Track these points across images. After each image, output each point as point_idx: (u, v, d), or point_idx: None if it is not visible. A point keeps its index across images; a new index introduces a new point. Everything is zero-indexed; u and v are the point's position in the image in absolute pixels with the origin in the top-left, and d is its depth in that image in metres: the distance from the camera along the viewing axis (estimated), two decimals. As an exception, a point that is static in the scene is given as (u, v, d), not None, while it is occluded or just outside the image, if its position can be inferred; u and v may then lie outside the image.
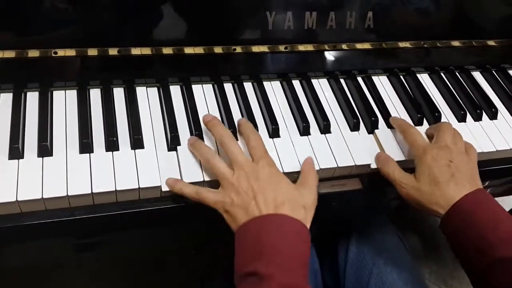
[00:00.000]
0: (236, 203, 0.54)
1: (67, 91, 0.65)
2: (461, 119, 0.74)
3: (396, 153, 0.65)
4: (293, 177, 0.61)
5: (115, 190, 0.54)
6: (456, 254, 0.59)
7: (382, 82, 0.77)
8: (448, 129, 0.64)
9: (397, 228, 0.85)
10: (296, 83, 0.73)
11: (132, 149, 0.59)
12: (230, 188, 0.55)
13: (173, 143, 0.61)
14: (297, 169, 0.61)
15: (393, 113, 0.72)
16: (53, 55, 0.63)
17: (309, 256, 0.54)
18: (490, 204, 0.57)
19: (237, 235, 0.54)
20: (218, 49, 0.69)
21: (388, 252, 0.78)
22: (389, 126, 0.70)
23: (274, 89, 0.72)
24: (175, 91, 0.68)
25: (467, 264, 0.58)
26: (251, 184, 0.55)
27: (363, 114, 0.71)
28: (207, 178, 0.58)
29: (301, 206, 0.55)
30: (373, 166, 0.64)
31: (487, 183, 0.75)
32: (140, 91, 0.67)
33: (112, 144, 0.59)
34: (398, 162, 0.64)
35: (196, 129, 0.62)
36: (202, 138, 0.62)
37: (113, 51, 0.65)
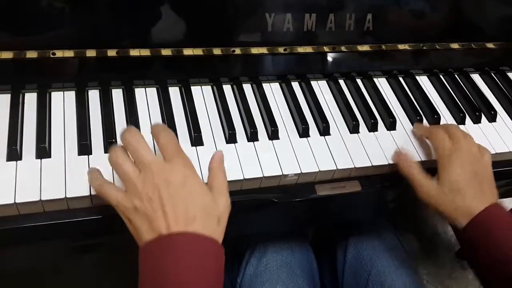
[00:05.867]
0: (140, 212, 0.46)
1: (65, 92, 0.64)
2: (460, 121, 0.74)
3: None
4: (294, 180, 0.61)
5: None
6: (471, 264, 0.59)
7: (381, 84, 0.77)
8: (460, 131, 0.63)
9: (396, 230, 0.85)
10: (295, 85, 0.73)
11: (131, 150, 0.59)
12: (133, 192, 0.47)
13: (172, 145, 0.61)
14: (297, 171, 0.61)
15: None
16: (51, 56, 0.62)
17: (222, 279, 0.47)
18: (508, 217, 0.57)
19: (140, 254, 0.46)
20: (217, 51, 0.68)
21: (387, 254, 0.78)
22: (388, 128, 0.70)
23: (273, 90, 0.72)
24: (174, 92, 0.68)
25: (482, 275, 0.58)
26: (159, 189, 0.46)
27: (363, 116, 0.71)
28: (206, 181, 0.57)
29: (216, 218, 0.48)
30: (374, 164, 0.64)
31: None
32: (139, 92, 0.67)
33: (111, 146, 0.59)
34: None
35: (195, 130, 0.62)
36: (201, 140, 0.62)
37: (111, 52, 0.64)
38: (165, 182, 0.46)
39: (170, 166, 0.48)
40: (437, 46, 0.80)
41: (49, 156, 0.57)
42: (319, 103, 0.70)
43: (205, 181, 0.57)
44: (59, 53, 0.62)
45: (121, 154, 0.49)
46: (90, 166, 0.55)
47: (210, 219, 0.47)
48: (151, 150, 0.49)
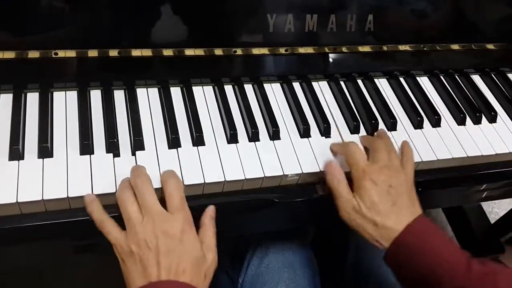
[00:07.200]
0: (135, 256, 0.49)
1: (67, 92, 0.64)
2: (461, 122, 0.74)
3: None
4: (295, 180, 0.61)
5: (116, 192, 0.54)
6: (403, 284, 0.57)
7: (382, 85, 0.77)
8: (383, 145, 0.60)
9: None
10: (296, 85, 0.73)
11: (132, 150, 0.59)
12: (132, 236, 0.50)
13: (173, 145, 0.61)
14: (298, 171, 0.61)
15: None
16: (53, 56, 0.62)
17: None
18: (432, 233, 0.55)
19: None
20: (218, 51, 0.69)
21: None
22: (389, 129, 0.70)
23: (274, 91, 0.72)
24: (176, 92, 0.68)
25: None
26: (158, 240, 0.49)
27: (363, 117, 0.71)
28: (208, 180, 0.57)
29: (203, 274, 0.51)
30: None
31: (484, 186, 0.76)
32: (141, 92, 0.67)
33: (112, 146, 0.59)
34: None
35: (196, 131, 0.62)
36: (202, 140, 0.62)
37: (113, 52, 0.64)
38: (164, 233, 0.49)
39: (171, 219, 0.51)
40: (437, 47, 0.80)
41: (51, 156, 0.57)
42: (320, 103, 0.71)
43: (204, 180, 0.58)
44: (61, 53, 0.63)
45: (129, 195, 0.52)
46: (90, 189, 0.54)
47: (198, 274, 0.50)
48: (156, 197, 0.52)
